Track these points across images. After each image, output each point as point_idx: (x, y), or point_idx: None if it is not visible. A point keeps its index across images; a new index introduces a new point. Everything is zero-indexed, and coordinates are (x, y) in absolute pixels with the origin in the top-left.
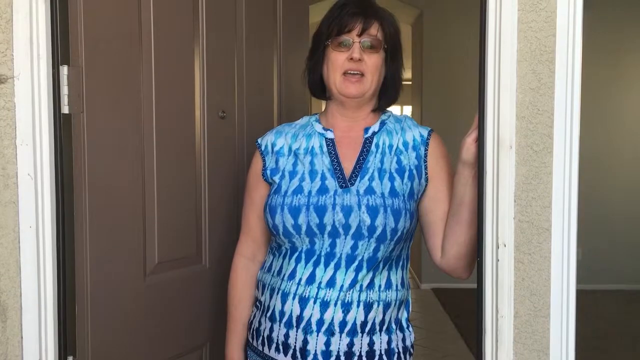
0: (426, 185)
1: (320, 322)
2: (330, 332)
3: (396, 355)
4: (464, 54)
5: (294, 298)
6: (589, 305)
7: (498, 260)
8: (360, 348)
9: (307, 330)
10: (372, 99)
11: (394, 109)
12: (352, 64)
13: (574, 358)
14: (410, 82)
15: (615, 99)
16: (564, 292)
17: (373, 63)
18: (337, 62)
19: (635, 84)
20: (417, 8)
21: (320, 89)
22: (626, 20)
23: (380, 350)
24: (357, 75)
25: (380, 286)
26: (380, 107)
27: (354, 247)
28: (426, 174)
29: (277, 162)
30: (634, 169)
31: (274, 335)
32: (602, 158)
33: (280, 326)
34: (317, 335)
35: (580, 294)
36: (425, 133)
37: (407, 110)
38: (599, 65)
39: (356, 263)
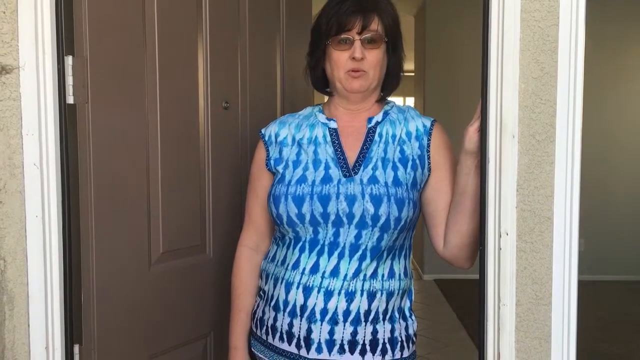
0: (429, 175)
1: (324, 311)
2: (334, 321)
3: (399, 343)
4: (466, 44)
5: (297, 287)
6: (591, 295)
7: (500, 248)
8: (364, 337)
9: (311, 320)
10: (375, 90)
11: (396, 101)
12: (355, 63)
13: (575, 346)
14: (412, 74)
15: (618, 91)
16: (566, 280)
17: (375, 58)
18: (339, 61)
19: (638, 76)
20: None
21: (323, 84)
22: (629, 12)
23: (384, 338)
24: (360, 71)
25: (383, 275)
26: (383, 96)
27: (358, 237)
28: (429, 163)
29: (280, 152)
30: (636, 160)
31: (278, 324)
32: (604, 150)
33: (284, 315)
34: (321, 324)
35: (582, 285)
36: (428, 123)
37: (410, 101)
38: (601, 57)
39: (360, 252)
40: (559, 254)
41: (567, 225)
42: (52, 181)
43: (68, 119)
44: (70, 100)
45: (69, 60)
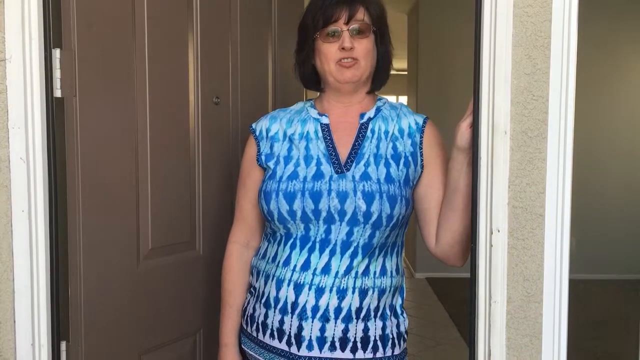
0: (421, 172)
1: (315, 309)
2: (325, 319)
3: (390, 341)
4: (459, 43)
5: (289, 284)
6: (582, 294)
7: (492, 245)
8: (355, 334)
9: (302, 317)
10: (366, 81)
11: (390, 99)
12: (344, 53)
13: (566, 344)
14: (405, 72)
15: (611, 89)
16: (557, 278)
17: (364, 48)
18: (329, 53)
19: (630, 75)
20: None
21: (313, 81)
22: (622, 11)
23: (375, 336)
24: (350, 60)
25: (375, 273)
26: (374, 88)
27: (350, 234)
28: (421, 160)
29: (271, 147)
30: (628, 160)
31: (269, 321)
32: (596, 150)
33: (275, 312)
34: (312, 322)
35: (573, 283)
36: (420, 120)
37: (403, 99)
38: (594, 55)
39: (351, 249)
40: (550, 251)
41: (558, 222)
42: (38, 175)
43: (56, 112)
44: (57, 93)
45: (56, 53)
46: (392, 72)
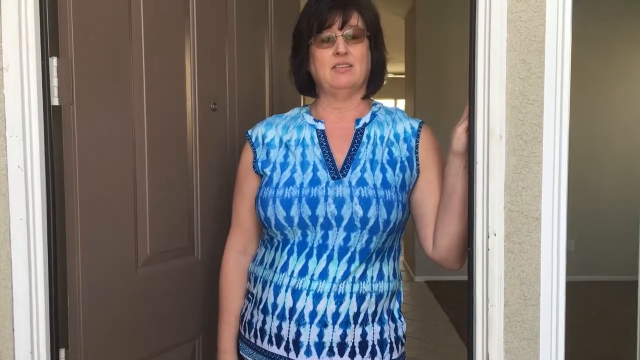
0: (417, 176)
1: (313, 314)
2: (323, 324)
3: (388, 345)
4: (456, 46)
5: (286, 290)
6: (580, 296)
7: (488, 249)
8: (353, 339)
9: (300, 322)
10: (361, 87)
11: (387, 103)
12: (339, 58)
13: (564, 346)
14: (403, 76)
15: (605, 90)
16: (554, 281)
17: (359, 53)
18: (323, 58)
19: (625, 76)
20: (409, 0)
21: (308, 87)
22: (616, 12)
23: (373, 340)
24: (346, 66)
25: (372, 277)
26: (369, 93)
27: (347, 239)
28: (417, 165)
29: (268, 153)
30: (624, 161)
31: (267, 327)
32: (592, 151)
33: (273, 318)
34: (310, 327)
35: (572, 285)
36: (416, 125)
37: (401, 103)
38: (588, 57)
39: (349, 255)
40: (547, 254)
41: (554, 225)
42: (36, 184)
43: (53, 120)
44: (55, 101)
45: (53, 61)
46: (390, 75)
